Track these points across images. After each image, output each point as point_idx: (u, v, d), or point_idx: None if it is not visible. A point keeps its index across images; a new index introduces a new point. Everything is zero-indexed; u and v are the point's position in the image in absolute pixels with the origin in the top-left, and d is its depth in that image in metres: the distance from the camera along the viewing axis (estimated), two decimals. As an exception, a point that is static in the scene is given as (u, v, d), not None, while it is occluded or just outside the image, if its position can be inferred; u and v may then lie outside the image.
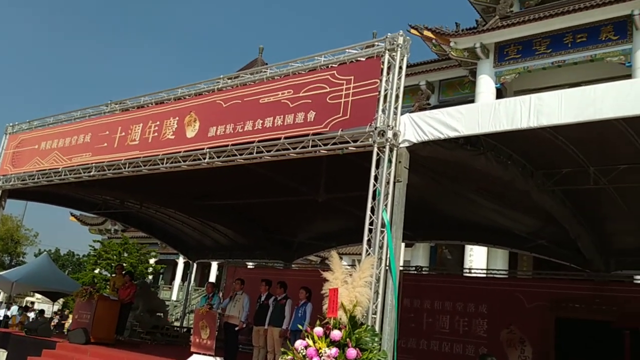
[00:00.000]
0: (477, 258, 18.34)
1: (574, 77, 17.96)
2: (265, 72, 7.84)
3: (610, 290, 10.53)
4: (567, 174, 7.52)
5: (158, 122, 8.75)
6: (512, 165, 7.19)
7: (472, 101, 18.51)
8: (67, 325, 18.12)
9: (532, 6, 20.74)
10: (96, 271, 30.80)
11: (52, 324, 19.15)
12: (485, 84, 19.88)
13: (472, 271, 14.94)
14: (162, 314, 16.80)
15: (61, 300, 30.21)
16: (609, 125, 5.55)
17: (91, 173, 9.43)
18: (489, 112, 5.77)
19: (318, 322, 5.56)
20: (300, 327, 7.69)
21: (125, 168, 8.88)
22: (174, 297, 35.45)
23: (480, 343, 11.45)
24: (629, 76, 16.18)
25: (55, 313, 27.81)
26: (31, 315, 20.24)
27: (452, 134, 5.99)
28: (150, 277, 34.93)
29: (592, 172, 7.20)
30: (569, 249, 10.91)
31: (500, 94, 19.59)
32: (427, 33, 20.61)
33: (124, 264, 25.65)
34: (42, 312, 19.93)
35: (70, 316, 17.75)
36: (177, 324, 20.07)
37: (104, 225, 37.89)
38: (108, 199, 13.44)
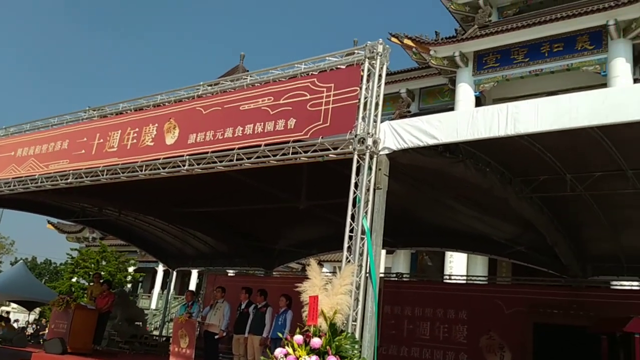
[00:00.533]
0: (457, 264, 18.46)
1: (551, 86, 18.25)
2: (245, 79, 7.80)
3: (587, 296, 10.70)
4: (545, 181, 7.63)
5: (137, 129, 8.64)
6: (490, 173, 7.26)
7: (452, 109, 18.69)
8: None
9: (510, 16, 21.08)
10: (74, 280, 30.37)
11: (27, 332, 18.78)
12: (465, 92, 20.09)
13: (452, 277, 15.03)
14: (140, 323, 16.59)
15: (37, 310, 29.67)
16: (584, 133, 5.65)
17: (68, 180, 9.28)
18: (467, 120, 5.82)
19: (298, 330, 5.54)
20: (280, 335, 7.66)
21: (103, 175, 8.76)
22: (153, 306, 35.00)
23: (460, 349, 11.53)
24: (604, 85, 16.50)
25: (29, 322, 27.30)
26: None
27: (431, 142, 6.03)
28: (129, 285, 34.54)
29: (569, 180, 7.31)
30: (547, 255, 11.04)
31: (479, 102, 19.81)
32: (407, 41, 20.79)
33: (102, 273, 25.35)
34: (7, 320, 19.44)
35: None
36: (156, 333, 19.79)
37: (81, 233, 37.39)
38: (86, 206, 13.25)
